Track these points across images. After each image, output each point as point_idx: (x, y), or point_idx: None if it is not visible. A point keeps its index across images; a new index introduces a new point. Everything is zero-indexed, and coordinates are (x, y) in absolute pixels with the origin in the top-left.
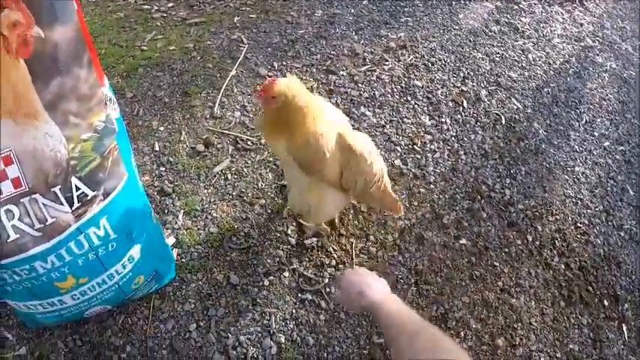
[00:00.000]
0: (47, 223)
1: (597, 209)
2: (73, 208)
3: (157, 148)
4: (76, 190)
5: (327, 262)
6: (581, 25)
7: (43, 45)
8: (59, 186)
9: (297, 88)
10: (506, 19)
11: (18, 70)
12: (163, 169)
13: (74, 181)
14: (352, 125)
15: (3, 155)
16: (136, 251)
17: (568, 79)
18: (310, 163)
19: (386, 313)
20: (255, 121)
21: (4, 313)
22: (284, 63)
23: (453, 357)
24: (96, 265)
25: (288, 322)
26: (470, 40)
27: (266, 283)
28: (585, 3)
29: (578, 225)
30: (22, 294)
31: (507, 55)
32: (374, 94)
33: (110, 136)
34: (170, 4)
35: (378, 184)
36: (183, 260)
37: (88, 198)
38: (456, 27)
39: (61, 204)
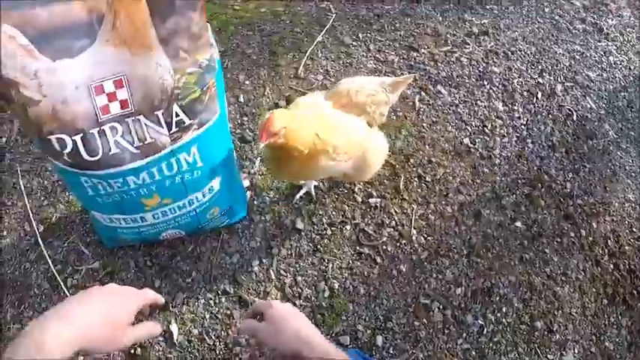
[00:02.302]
0: (146, 142)
1: None
2: (171, 132)
3: (242, 100)
4: (176, 117)
5: (387, 222)
6: None
7: None
8: (162, 110)
9: (289, 119)
10: (592, 19)
11: (138, 8)
12: (246, 118)
13: (175, 108)
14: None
15: (115, 79)
16: (216, 183)
17: None
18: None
19: None
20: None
21: (84, 230)
22: (368, 35)
23: None
24: (180, 189)
25: (343, 270)
26: (552, 35)
27: (328, 232)
28: None
29: (634, 230)
30: (111, 207)
31: (588, 55)
32: (451, 74)
33: (211, 73)
34: None
35: (374, 101)
36: (254, 202)
37: (185, 125)
38: (540, 20)
39: (161, 126)
